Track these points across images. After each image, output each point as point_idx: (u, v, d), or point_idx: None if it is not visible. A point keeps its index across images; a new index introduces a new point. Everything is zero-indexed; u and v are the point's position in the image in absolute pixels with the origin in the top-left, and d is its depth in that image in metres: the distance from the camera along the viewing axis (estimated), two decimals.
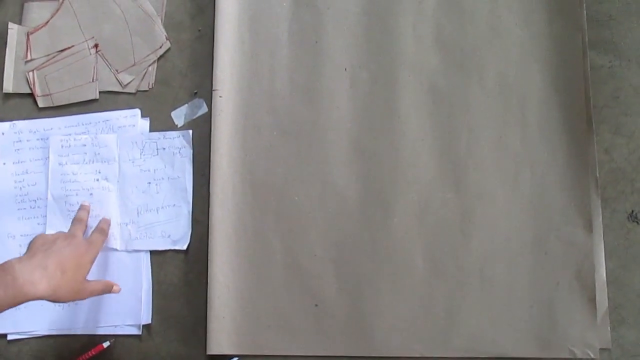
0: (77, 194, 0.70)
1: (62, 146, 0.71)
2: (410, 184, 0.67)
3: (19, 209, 0.71)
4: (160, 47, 0.73)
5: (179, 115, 0.72)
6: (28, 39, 0.74)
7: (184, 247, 0.69)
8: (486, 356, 0.64)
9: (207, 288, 0.66)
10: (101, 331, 0.68)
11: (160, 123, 0.72)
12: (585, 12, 0.68)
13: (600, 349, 0.63)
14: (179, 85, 0.72)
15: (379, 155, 0.67)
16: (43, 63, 0.73)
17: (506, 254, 0.65)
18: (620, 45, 0.69)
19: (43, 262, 0.56)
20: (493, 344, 0.64)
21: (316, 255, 0.66)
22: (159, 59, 0.73)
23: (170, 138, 0.71)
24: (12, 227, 0.71)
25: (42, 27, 0.74)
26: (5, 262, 0.55)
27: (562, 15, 0.68)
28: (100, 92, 0.73)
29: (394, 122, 0.68)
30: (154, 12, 0.73)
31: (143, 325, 0.68)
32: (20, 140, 0.72)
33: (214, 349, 0.65)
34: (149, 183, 0.70)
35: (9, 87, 0.73)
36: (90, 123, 0.72)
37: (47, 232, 0.70)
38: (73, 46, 0.73)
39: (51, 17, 0.74)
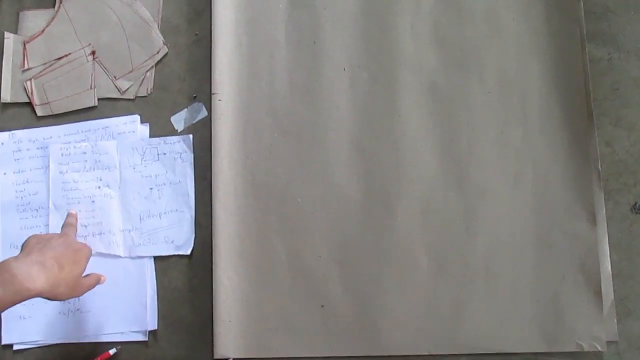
0: (78, 202, 0.70)
1: (62, 154, 0.71)
2: (412, 182, 0.67)
3: (21, 219, 0.71)
4: (158, 52, 0.72)
5: (179, 120, 0.72)
6: (25, 47, 0.73)
7: (188, 252, 0.69)
8: (493, 352, 0.64)
9: (212, 292, 0.66)
10: (107, 338, 0.68)
11: (160, 128, 0.72)
12: (582, 5, 0.68)
13: (607, 341, 0.63)
14: (177, 90, 0.72)
15: (380, 154, 0.67)
16: (40, 71, 0.73)
17: (510, 250, 0.65)
18: (619, 37, 0.69)
19: (40, 258, 0.56)
20: (500, 340, 0.64)
21: (320, 256, 0.66)
22: (156, 64, 0.73)
23: (170, 143, 0.70)
24: (15, 237, 0.70)
25: (38, 35, 0.74)
26: (2, 261, 0.55)
27: (560, 9, 0.68)
28: (98, 99, 0.72)
29: (394, 122, 0.68)
30: (150, 18, 0.73)
31: (149, 331, 0.68)
32: (20, 150, 0.72)
33: (220, 352, 0.65)
34: (151, 189, 0.70)
35: (7, 96, 0.73)
36: (89, 130, 0.72)
37: None
38: (70, 54, 0.73)
39: (47, 26, 0.74)
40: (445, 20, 0.69)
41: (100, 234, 0.70)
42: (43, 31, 0.74)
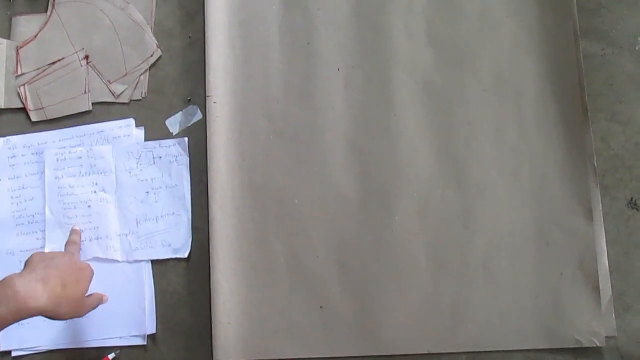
0: (74, 207, 0.70)
1: (57, 159, 0.71)
2: (409, 181, 0.67)
3: (17, 225, 0.71)
4: (152, 56, 0.72)
5: (174, 123, 0.71)
6: (17, 53, 0.73)
7: (185, 255, 0.68)
8: (493, 350, 0.64)
9: (210, 294, 0.66)
10: (106, 343, 0.68)
11: (155, 132, 0.71)
12: (575, 1, 0.68)
13: (606, 336, 0.64)
14: (172, 93, 0.72)
15: (377, 154, 0.67)
16: (34, 77, 0.73)
17: (509, 247, 0.65)
18: (612, 32, 0.69)
19: (44, 276, 0.56)
20: (500, 337, 0.64)
21: (319, 256, 0.66)
22: (150, 67, 0.72)
23: (166, 146, 0.70)
24: (11, 244, 0.70)
25: (31, 40, 0.73)
26: (5, 278, 0.54)
27: (553, 5, 0.68)
28: (93, 104, 0.72)
29: (390, 121, 0.68)
30: (143, 21, 0.73)
31: (148, 335, 0.68)
32: (14, 156, 0.72)
33: (220, 355, 0.65)
34: (147, 192, 0.70)
35: (0, 102, 0.73)
36: (84, 135, 0.71)
37: (46, 247, 0.70)
38: (63, 58, 0.73)
39: (40, 30, 0.74)
40: (438, 18, 0.69)
41: (97, 238, 0.69)
42: (36, 36, 0.73)
